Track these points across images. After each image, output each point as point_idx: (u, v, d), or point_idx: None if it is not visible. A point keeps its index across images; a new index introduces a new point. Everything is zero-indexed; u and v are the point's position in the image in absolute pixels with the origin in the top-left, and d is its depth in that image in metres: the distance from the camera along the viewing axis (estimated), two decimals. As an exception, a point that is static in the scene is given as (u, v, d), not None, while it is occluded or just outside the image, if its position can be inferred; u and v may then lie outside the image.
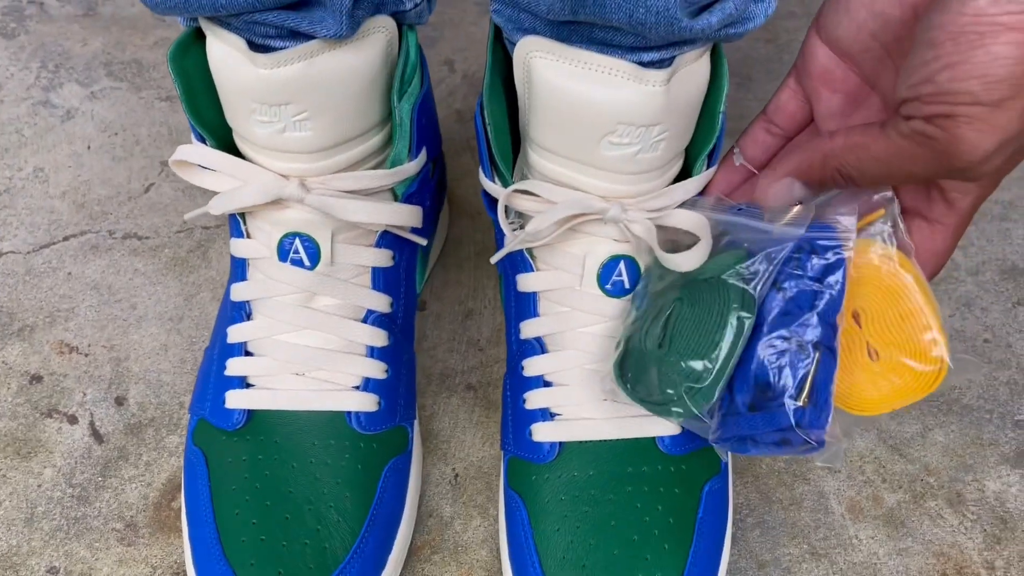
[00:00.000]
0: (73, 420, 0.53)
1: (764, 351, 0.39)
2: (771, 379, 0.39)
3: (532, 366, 0.47)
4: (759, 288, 0.39)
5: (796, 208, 0.40)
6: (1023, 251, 0.62)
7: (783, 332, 0.39)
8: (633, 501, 0.44)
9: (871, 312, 0.40)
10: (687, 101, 0.41)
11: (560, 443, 0.45)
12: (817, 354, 0.38)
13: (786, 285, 0.39)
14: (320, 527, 0.43)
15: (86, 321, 0.57)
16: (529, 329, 0.47)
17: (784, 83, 0.44)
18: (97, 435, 0.52)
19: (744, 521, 0.50)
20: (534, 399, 0.47)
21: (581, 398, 0.45)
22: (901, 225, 0.40)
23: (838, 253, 0.39)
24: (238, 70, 0.40)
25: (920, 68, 0.33)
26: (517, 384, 0.48)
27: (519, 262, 0.47)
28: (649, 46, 0.40)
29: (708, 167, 0.44)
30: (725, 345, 0.39)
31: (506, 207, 0.45)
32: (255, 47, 0.41)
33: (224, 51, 0.41)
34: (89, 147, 0.66)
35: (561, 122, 0.41)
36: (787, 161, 0.40)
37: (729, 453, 0.47)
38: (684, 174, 0.45)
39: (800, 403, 0.38)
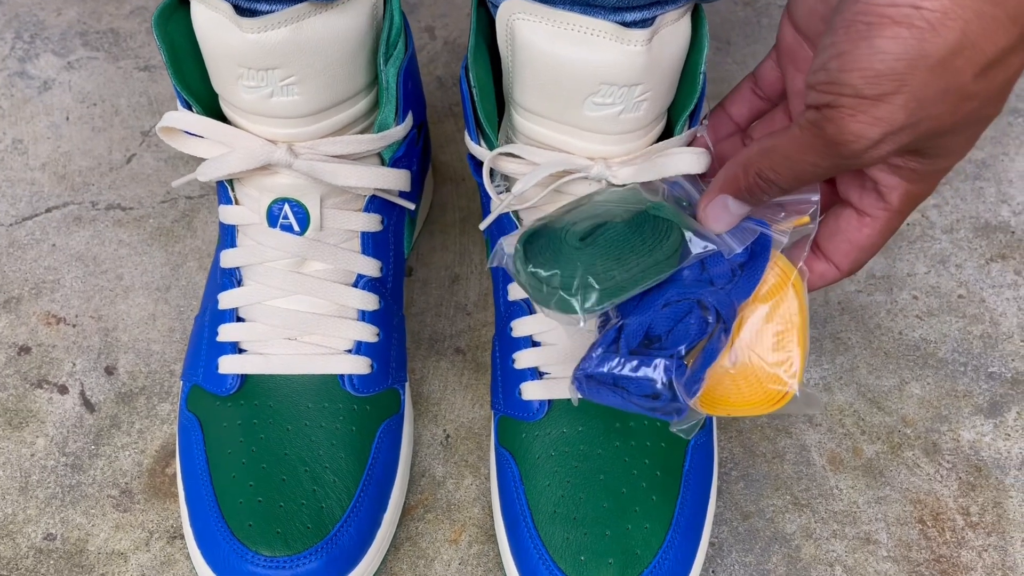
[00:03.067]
0: (64, 390, 0.53)
1: (668, 305, 0.39)
2: (664, 331, 0.39)
3: (521, 327, 0.48)
4: (695, 253, 0.40)
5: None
6: (996, 209, 0.63)
7: (692, 295, 0.39)
8: (621, 455, 0.45)
9: (749, 319, 0.40)
10: (669, 61, 0.42)
11: (549, 401, 0.46)
12: (717, 326, 0.39)
13: (709, 260, 0.40)
14: (316, 488, 0.44)
15: (72, 292, 0.57)
16: (518, 291, 0.48)
17: (769, 53, 0.44)
18: (88, 404, 0.53)
19: (729, 474, 0.51)
20: (523, 359, 0.47)
21: (569, 357, 0.46)
22: (809, 244, 0.40)
23: (765, 249, 0.40)
24: (224, 35, 0.40)
25: (819, 55, 0.33)
26: (506, 345, 0.48)
27: (506, 225, 0.47)
28: (631, 6, 0.40)
29: (689, 127, 0.45)
30: (644, 266, 0.39)
31: (492, 170, 0.45)
32: (240, 11, 0.41)
33: (209, 16, 0.41)
34: (68, 118, 0.66)
35: (545, 84, 0.41)
36: (716, 179, 0.40)
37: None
38: (667, 135, 0.46)
39: (685, 362, 0.39)
